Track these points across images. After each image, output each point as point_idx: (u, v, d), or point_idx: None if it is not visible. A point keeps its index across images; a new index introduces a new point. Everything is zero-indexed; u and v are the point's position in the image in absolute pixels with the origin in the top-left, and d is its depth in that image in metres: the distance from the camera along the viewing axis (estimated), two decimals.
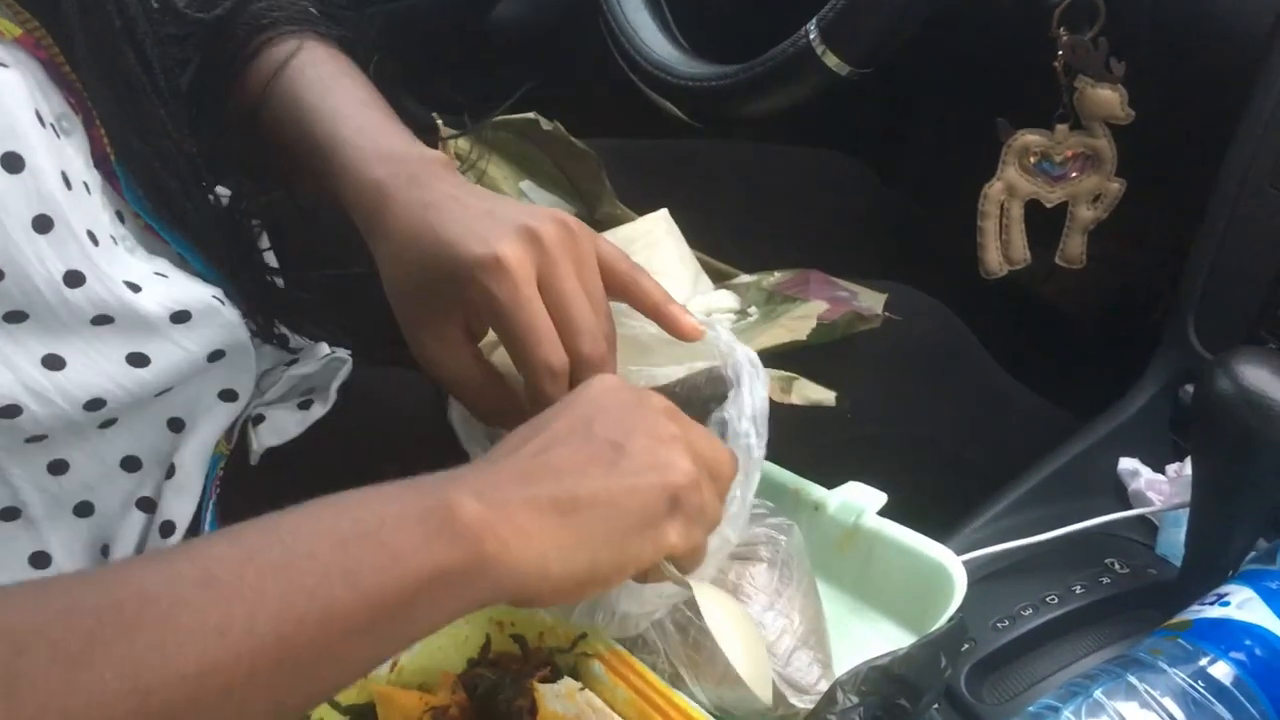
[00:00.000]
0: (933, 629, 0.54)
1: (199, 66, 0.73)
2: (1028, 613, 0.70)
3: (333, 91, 0.69)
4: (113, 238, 0.62)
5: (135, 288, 0.62)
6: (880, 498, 0.65)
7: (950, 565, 0.58)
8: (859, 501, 0.68)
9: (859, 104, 1.08)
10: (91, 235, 0.60)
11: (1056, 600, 0.71)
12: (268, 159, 0.73)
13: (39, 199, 0.56)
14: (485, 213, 0.60)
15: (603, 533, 0.49)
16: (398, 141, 0.66)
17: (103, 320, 0.61)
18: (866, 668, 0.50)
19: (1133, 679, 0.59)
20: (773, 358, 0.75)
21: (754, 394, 0.58)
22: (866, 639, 0.59)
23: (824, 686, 0.55)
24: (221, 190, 0.75)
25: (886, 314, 0.77)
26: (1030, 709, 0.59)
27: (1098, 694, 0.58)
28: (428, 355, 0.62)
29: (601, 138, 1.15)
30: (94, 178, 0.62)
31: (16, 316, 0.58)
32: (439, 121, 0.92)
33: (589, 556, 0.49)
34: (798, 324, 0.76)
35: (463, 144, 0.92)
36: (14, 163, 0.55)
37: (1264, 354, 0.64)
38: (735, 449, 0.57)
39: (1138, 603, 0.72)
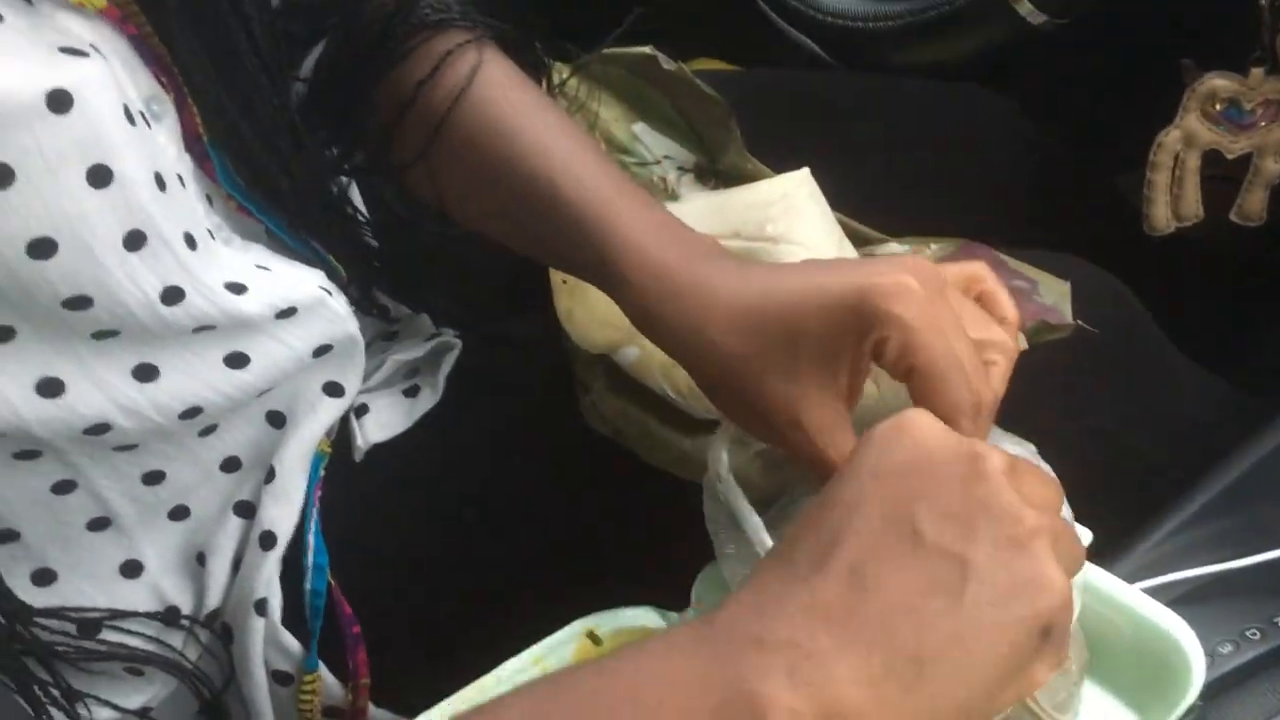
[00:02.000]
0: None
1: (331, 49, 0.65)
2: (1226, 650, 0.63)
3: (550, 130, 0.62)
4: (209, 231, 0.56)
5: (238, 288, 0.56)
6: (1085, 535, 0.55)
7: (1185, 642, 0.49)
8: None
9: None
10: (189, 238, 0.53)
11: (1258, 635, 0.63)
12: (444, 175, 0.66)
13: (129, 213, 0.49)
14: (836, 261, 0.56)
15: (958, 698, 0.38)
16: (669, 219, 0.58)
17: (203, 329, 0.55)
18: None
19: None
20: None
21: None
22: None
23: None
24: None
25: (1079, 323, 0.68)
26: None
27: None
28: (792, 410, 0.52)
29: (707, 62, 1.05)
30: (186, 165, 0.55)
31: (106, 334, 0.52)
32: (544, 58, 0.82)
33: None
34: None
35: (571, 83, 0.82)
36: (102, 176, 0.47)
37: None
38: None
39: None
